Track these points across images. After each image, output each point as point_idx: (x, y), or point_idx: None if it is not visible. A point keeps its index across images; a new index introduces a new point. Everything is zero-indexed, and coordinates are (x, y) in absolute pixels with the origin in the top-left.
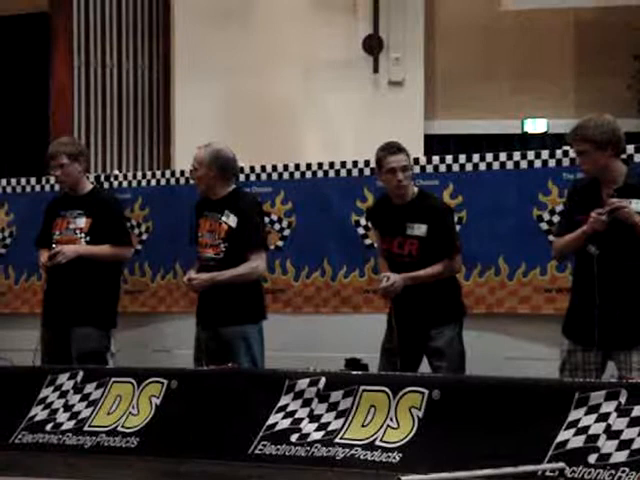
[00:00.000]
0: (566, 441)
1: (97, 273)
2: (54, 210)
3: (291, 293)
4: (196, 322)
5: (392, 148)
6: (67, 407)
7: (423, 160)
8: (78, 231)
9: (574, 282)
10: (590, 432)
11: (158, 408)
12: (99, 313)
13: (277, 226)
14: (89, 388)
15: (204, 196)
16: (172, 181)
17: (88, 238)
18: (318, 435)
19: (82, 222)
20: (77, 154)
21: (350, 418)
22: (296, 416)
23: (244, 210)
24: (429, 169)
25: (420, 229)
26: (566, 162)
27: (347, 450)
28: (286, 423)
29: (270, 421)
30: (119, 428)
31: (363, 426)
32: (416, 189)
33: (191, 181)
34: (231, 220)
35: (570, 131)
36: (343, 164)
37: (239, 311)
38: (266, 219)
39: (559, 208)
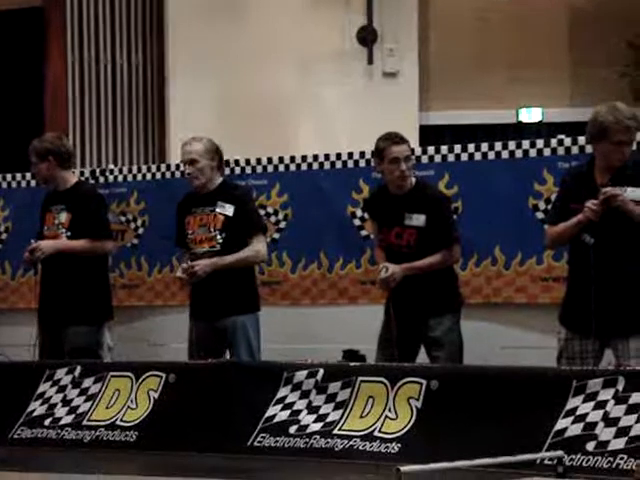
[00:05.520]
0: (564, 429)
1: (81, 269)
2: (45, 206)
3: (288, 285)
4: (190, 316)
5: (395, 138)
6: (65, 402)
7: (418, 151)
8: (61, 226)
9: (570, 271)
10: (588, 420)
11: (156, 402)
12: (87, 309)
13: (273, 218)
14: (87, 383)
15: (198, 191)
16: (167, 175)
17: (69, 233)
18: (317, 426)
19: (64, 217)
20: (44, 152)
21: (348, 409)
22: (294, 408)
23: (240, 197)
24: (424, 160)
25: (419, 219)
26: (561, 151)
27: (346, 441)
28: (285, 415)
29: (269, 413)
30: (118, 422)
31: (361, 417)
32: (414, 179)
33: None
34: (227, 209)
35: None
36: (338, 156)
37: (237, 301)
38: (262, 211)
39: (555, 197)
